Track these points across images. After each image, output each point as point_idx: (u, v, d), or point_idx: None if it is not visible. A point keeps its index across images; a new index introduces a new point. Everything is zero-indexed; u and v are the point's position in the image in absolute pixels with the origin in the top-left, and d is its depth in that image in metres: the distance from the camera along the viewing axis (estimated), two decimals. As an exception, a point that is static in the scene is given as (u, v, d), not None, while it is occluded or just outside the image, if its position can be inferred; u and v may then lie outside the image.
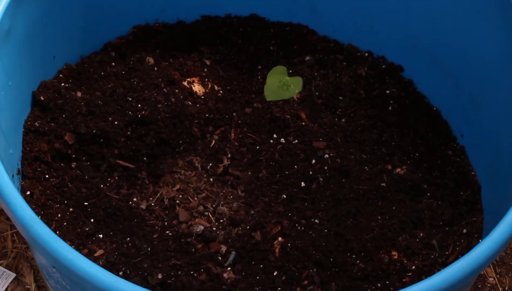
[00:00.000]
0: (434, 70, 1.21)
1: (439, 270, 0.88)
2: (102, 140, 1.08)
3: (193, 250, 0.98)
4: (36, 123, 1.08)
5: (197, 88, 1.21)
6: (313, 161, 1.10)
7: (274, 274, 0.96)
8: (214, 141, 1.13)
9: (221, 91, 1.21)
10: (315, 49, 1.30)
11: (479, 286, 1.22)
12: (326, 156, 1.11)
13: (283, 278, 0.95)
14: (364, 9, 1.26)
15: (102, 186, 1.05)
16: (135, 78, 1.19)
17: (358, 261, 0.97)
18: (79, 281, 0.71)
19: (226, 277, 0.95)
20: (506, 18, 1.02)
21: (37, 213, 0.98)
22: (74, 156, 1.07)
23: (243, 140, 1.13)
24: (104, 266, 0.93)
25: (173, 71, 1.21)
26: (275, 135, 1.14)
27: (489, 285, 1.22)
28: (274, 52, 1.29)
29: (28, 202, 0.78)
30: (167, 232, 1.00)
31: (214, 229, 1.01)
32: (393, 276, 0.96)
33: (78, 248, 0.97)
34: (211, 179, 1.08)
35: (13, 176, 0.98)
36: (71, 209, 1.01)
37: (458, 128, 1.18)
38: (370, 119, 1.18)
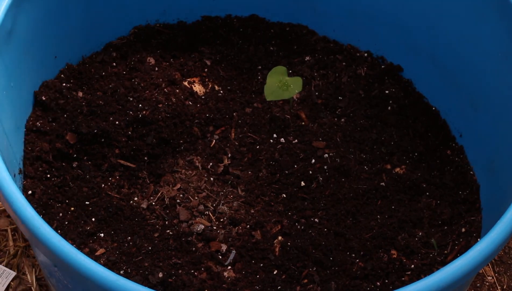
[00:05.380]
0: (433, 70, 1.21)
1: (438, 269, 0.88)
2: (103, 140, 1.09)
3: (193, 249, 0.98)
4: (37, 123, 1.08)
5: (198, 88, 1.21)
6: (313, 161, 1.11)
7: (274, 273, 0.96)
8: (214, 141, 1.13)
9: (221, 91, 1.21)
10: (315, 50, 1.30)
11: (478, 284, 1.22)
12: (326, 155, 1.12)
13: (283, 276, 0.96)
14: (363, 10, 1.26)
15: (103, 185, 1.05)
16: (136, 78, 1.19)
17: (357, 260, 0.98)
18: (81, 280, 0.72)
19: (226, 276, 0.95)
20: (505, 18, 1.03)
21: (39, 212, 0.99)
22: (75, 155, 1.08)
23: (243, 140, 1.14)
24: (105, 265, 0.94)
25: (174, 71, 1.22)
26: (275, 135, 1.15)
27: (487, 284, 1.23)
28: (274, 52, 1.30)
29: (29, 201, 0.78)
30: (168, 231, 1.00)
31: (214, 228, 1.01)
32: (392, 275, 0.97)
33: (79, 247, 0.97)
34: (212, 179, 1.08)
35: (14, 176, 0.99)
36: (72, 208, 1.02)
37: (457, 128, 1.19)
38: (369, 119, 1.19)
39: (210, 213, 1.03)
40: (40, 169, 1.04)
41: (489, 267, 1.25)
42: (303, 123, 1.17)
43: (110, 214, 1.01)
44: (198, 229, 1.01)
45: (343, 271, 0.96)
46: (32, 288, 1.18)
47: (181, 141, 1.12)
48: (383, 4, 1.23)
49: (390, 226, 1.02)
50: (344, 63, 1.28)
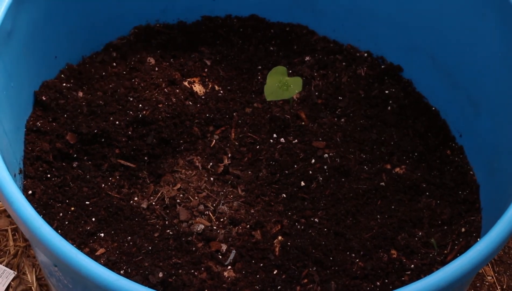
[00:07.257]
0: (433, 70, 1.21)
1: (437, 268, 0.88)
2: (103, 140, 1.09)
3: (193, 249, 0.98)
4: (38, 123, 1.08)
5: (198, 88, 1.21)
6: (313, 161, 1.11)
7: (274, 272, 0.96)
8: (214, 141, 1.13)
9: (221, 91, 1.21)
10: (315, 50, 1.30)
11: (478, 284, 1.23)
12: (326, 155, 1.12)
13: (283, 276, 0.96)
14: (363, 10, 1.26)
15: (103, 185, 1.05)
16: (136, 78, 1.19)
17: (357, 260, 0.98)
18: (81, 280, 0.72)
19: (226, 276, 0.96)
20: (505, 18, 1.03)
21: (39, 212, 0.99)
22: (75, 155, 1.08)
23: (243, 140, 1.14)
24: (105, 265, 0.94)
25: (174, 71, 1.22)
26: (275, 135, 1.15)
27: (487, 283, 1.23)
28: (274, 52, 1.30)
29: (30, 201, 0.78)
30: (168, 231, 1.00)
31: (214, 228, 1.01)
32: (392, 274, 0.97)
33: (79, 247, 0.97)
34: (212, 178, 1.08)
35: (15, 176, 0.99)
36: (72, 208, 1.02)
37: (457, 128, 1.19)
38: (369, 119, 1.19)
39: (210, 213, 1.03)
40: (40, 168, 1.05)
41: (489, 267, 1.25)
42: (303, 123, 1.17)
43: (110, 214, 1.01)
44: (198, 229, 1.01)
45: (343, 271, 0.96)
46: (32, 288, 1.18)
47: (181, 141, 1.12)
48: (383, 4, 1.23)
49: (390, 226, 1.03)
50: (344, 63, 1.28)
